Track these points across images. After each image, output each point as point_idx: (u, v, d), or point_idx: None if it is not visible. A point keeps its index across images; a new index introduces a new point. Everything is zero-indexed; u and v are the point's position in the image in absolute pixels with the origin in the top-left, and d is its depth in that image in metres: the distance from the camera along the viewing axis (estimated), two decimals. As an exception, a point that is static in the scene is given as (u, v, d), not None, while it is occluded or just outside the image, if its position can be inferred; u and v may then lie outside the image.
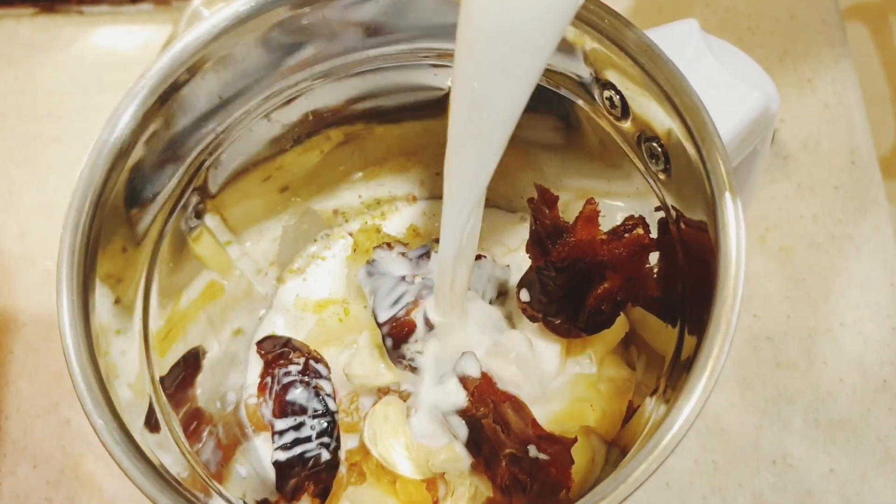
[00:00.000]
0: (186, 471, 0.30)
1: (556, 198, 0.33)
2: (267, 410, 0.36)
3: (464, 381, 0.34)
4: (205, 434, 0.34)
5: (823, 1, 0.50)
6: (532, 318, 0.35)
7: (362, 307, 0.39)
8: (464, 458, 0.35)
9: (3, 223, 0.48)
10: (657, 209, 0.31)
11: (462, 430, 0.34)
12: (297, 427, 0.35)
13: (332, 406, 0.37)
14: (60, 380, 0.44)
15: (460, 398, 0.34)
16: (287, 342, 0.38)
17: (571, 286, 0.33)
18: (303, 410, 0.36)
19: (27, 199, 0.49)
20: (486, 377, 0.34)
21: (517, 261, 0.40)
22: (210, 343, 0.37)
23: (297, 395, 0.36)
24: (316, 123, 0.36)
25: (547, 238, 0.33)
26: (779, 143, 0.47)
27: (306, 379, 0.37)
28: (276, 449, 0.35)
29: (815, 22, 0.50)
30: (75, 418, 0.44)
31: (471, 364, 0.34)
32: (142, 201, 0.30)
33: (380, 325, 0.35)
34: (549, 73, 0.31)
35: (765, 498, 0.41)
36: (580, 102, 0.32)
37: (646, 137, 0.30)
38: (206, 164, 0.33)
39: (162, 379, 0.32)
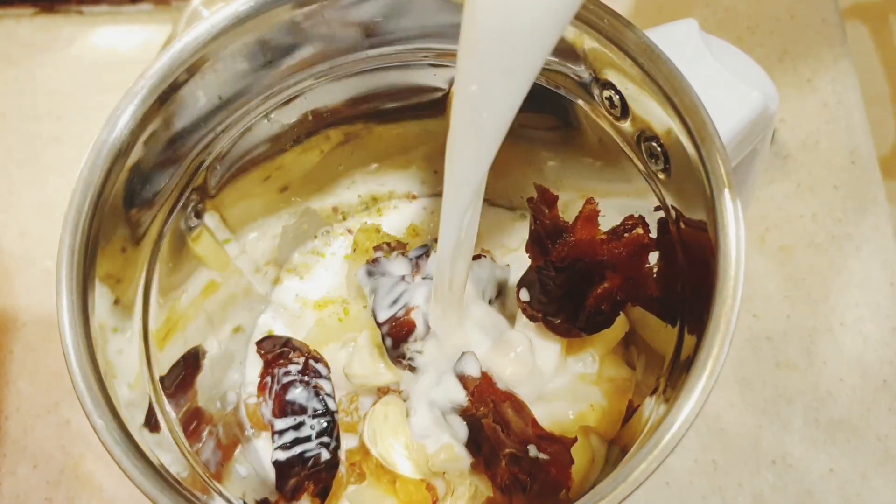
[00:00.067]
0: (186, 470, 0.30)
1: (556, 197, 0.33)
2: (267, 410, 0.36)
3: (464, 380, 0.34)
4: (205, 434, 0.34)
5: (823, 0, 0.50)
6: (532, 318, 0.35)
7: (362, 307, 0.39)
8: (464, 458, 0.35)
9: (3, 223, 0.48)
10: (657, 209, 0.31)
11: (462, 429, 0.34)
12: (297, 427, 0.35)
13: (331, 406, 0.37)
14: (60, 380, 0.44)
15: (460, 398, 0.34)
16: (287, 342, 0.38)
17: (571, 286, 0.33)
18: (302, 410, 0.36)
19: (27, 199, 0.49)
20: (485, 377, 0.34)
21: (517, 260, 0.40)
22: (210, 342, 0.37)
23: (297, 394, 0.36)
24: (315, 123, 0.36)
25: (547, 238, 0.33)
26: (778, 143, 0.47)
27: (306, 379, 0.37)
28: (275, 448, 0.35)
29: (814, 21, 0.50)
30: (75, 418, 0.44)
31: (471, 364, 0.34)
32: (141, 201, 0.30)
33: (379, 325, 0.35)
34: (548, 72, 0.31)
35: (765, 498, 0.41)
36: (580, 102, 0.32)
37: (645, 137, 0.30)
38: (206, 163, 0.33)
39: (162, 379, 0.32)
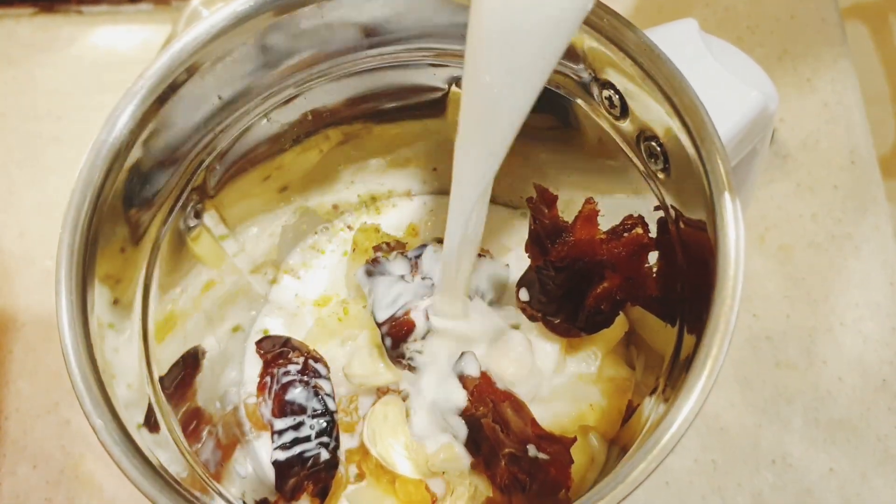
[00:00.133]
0: (186, 471, 0.30)
1: (556, 197, 0.33)
2: (266, 410, 0.36)
3: (463, 380, 0.34)
4: (204, 434, 0.34)
5: (823, 0, 0.50)
6: (531, 318, 0.35)
7: (361, 307, 0.39)
8: (463, 458, 0.35)
9: (3, 223, 0.48)
10: (656, 208, 0.31)
11: (461, 429, 0.34)
12: (297, 427, 0.35)
13: (331, 406, 0.37)
14: (60, 380, 0.44)
15: (460, 398, 0.34)
16: (286, 342, 0.38)
17: (571, 286, 0.33)
18: (302, 410, 0.36)
19: (27, 199, 0.49)
20: (485, 377, 0.34)
21: (516, 260, 0.40)
22: (209, 342, 0.37)
23: (297, 394, 0.36)
24: (315, 123, 0.36)
25: (546, 237, 0.33)
26: (778, 143, 0.47)
27: (305, 378, 0.37)
28: (275, 448, 0.35)
29: (814, 21, 0.50)
30: (75, 418, 0.44)
31: (470, 363, 0.34)
32: (140, 201, 0.30)
33: (379, 325, 0.35)
34: (547, 72, 0.31)
35: (764, 497, 0.41)
36: (579, 102, 0.32)
37: (645, 137, 0.30)
38: (205, 163, 0.33)
39: (161, 379, 0.32)
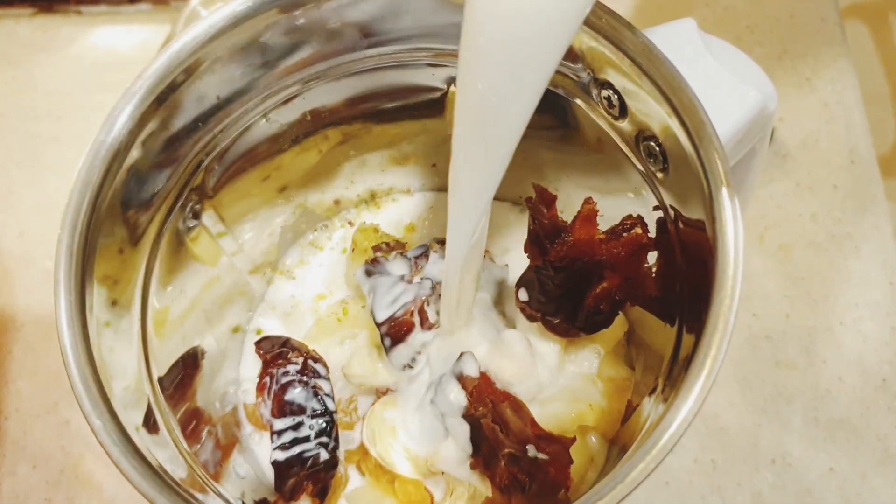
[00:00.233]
0: (185, 471, 0.30)
1: (555, 197, 0.33)
2: (266, 410, 0.36)
3: (462, 380, 0.34)
4: (203, 434, 0.34)
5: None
6: (531, 318, 0.35)
7: (361, 307, 0.39)
8: (463, 458, 0.35)
9: (3, 223, 0.48)
10: (655, 208, 0.31)
11: (461, 429, 0.34)
12: (296, 427, 0.35)
13: (330, 406, 0.37)
14: (60, 380, 0.44)
15: (459, 398, 0.34)
16: (286, 342, 0.38)
17: (570, 286, 0.33)
18: (301, 410, 0.36)
19: (27, 199, 0.49)
20: (484, 377, 0.34)
21: (515, 259, 0.40)
22: (208, 342, 0.37)
23: (296, 394, 0.36)
24: (314, 123, 0.36)
25: (545, 237, 0.33)
26: (778, 142, 0.47)
27: (305, 379, 0.37)
28: (274, 449, 0.35)
29: (814, 21, 0.50)
30: (74, 418, 0.44)
31: (470, 364, 0.34)
32: (139, 201, 0.30)
33: (378, 325, 0.35)
34: (546, 72, 0.31)
35: (764, 497, 0.40)
36: (578, 102, 0.32)
37: (644, 137, 0.30)
38: (204, 164, 0.33)
39: (161, 379, 0.32)
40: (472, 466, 0.35)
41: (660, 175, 0.30)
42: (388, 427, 0.36)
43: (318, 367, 0.37)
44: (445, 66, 0.34)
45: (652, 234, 0.31)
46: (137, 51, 0.52)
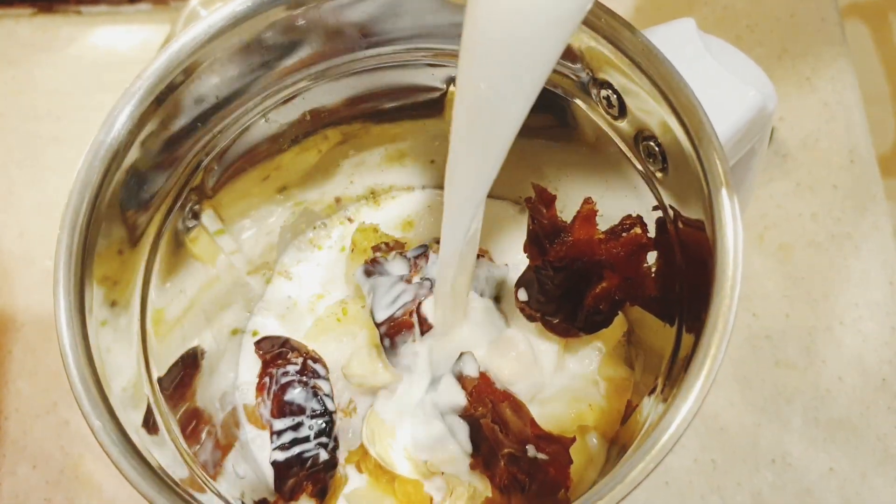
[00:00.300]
0: (185, 471, 0.30)
1: (554, 197, 0.33)
2: (265, 410, 0.36)
3: (462, 380, 0.34)
4: (203, 434, 0.34)
5: (822, -1, 0.50)
6: (530, 318, 0.35)
7: (360, 307, 0.39)
8: (462, 458, 0.35)
9: (3, 223, 0.48)
10: (655, 208, 0.31)
11: (461, 429, 0.34)
12: (296, 427, 0.35)
13: (330, 406, 0.37)
14: (59, 380, 0.44)
15: (459, 398, 0.34)
16: (285, 342, 0.38)
17: (569, 286, 0.33)
18: (301, 410, 0.36)
19: (27, 199, 0.49)
20: (484, 377, 0.34)
21: (515, 259, 0.40)
22: (207, 342, 0.37)
23: (296, 395, 0.36)
24: (313, 123, 0.36)
25: (545, 237, 0.33)
26: (778, 142, 0.47)
27: (304, 379, 0.37)
28: (274, 449, 0.35)
29: (814, 20, 0.50)
30: (74, 418, 0.44)
31: (469, 364, 0.34)
32: (138, 202, 0.30)
33: (378, 325, 0.35)
34: (545, 72, 0.31)
35: (764, 497, 0.40)
36: (577, 101, 0.32)
37: (643, 136, 0.30)
38: (204, 164, 0.33)
39: (160, 379, 0.32)
40: (472, 466, 0.35)
41: (659, 175, 0.30)
42: (387, 427, 0.36)
43: (317, 367, 0.37)
44: (445, 66, 0.34)
45: (651, 233, 0.31)
46: (137, 51, 0.52)
